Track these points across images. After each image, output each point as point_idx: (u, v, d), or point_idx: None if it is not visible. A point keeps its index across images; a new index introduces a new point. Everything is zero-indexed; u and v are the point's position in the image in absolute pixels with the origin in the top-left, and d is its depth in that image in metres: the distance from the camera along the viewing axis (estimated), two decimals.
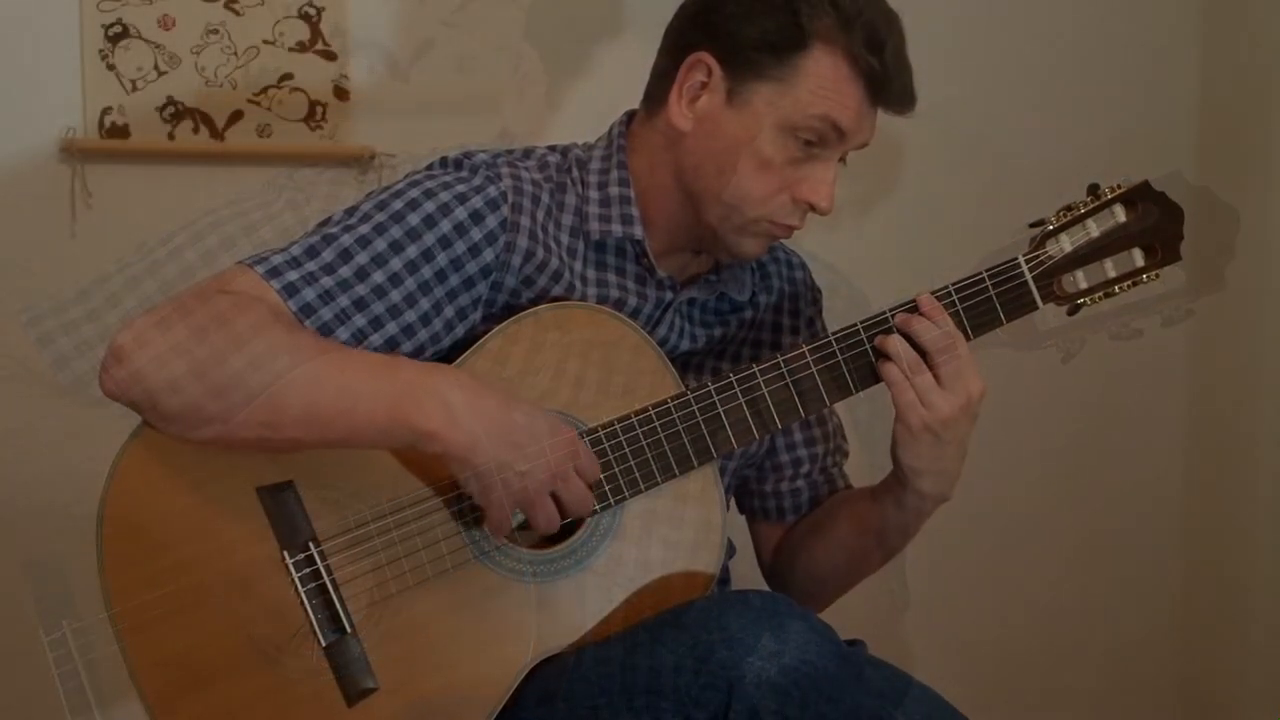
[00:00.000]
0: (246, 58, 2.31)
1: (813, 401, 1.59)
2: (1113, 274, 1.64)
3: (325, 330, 1.47)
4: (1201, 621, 2.85)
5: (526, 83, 2.43)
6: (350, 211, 1.56)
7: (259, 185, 2.31)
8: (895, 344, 1.56)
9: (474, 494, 1.44)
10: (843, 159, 1.63)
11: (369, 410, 1.39)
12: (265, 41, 2.31)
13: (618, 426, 1.53)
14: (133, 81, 2.26)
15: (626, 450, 1.53)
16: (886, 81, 1.56)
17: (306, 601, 1.44)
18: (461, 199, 1.54)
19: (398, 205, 1.54)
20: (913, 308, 1.58)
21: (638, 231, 1.63)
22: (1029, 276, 1.61)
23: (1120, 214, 1.63)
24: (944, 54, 2.43)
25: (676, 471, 1.55)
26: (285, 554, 1.45)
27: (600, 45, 2.45)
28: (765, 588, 1.84)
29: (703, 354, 1.73)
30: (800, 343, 1.58)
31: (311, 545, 1.45)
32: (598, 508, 1.51)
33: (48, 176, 2.23)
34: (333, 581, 1.45)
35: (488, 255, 1.54)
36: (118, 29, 2.25)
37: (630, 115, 1.72)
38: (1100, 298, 1.64)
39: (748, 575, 1.87)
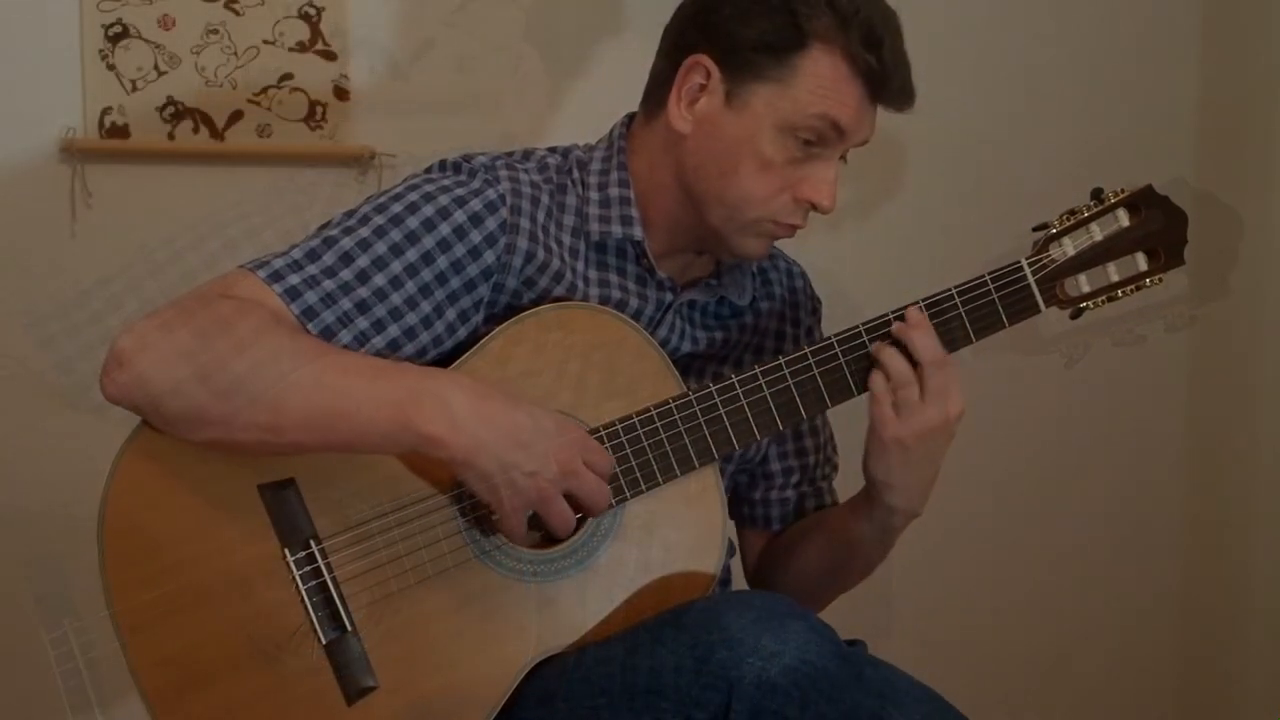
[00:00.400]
0: (246, 58, 2.31)
1: (814, 403, 1.59)
2: (1116, 278, 1.64)
3: (327, 333, 1.47)
4: (1201, 623, 2.85)
5: (527, 83, 2.43)
6: (350, 214, 1.56)
7: (260, 187, 2.31)
8: (888, 355, 1.56)
9: (484, 497, 1.44)
10: (844, 157, 1.63)
11: (372, 414, 1.38)
12: (265, 41, 2.31)
13: (619, 426, 1.53)
14: (133, 81, 2.26)
15: (628, 450, 1.53)
16: (885, 79, 1.56)
17: (307, 600, 1.44)
18: (460, 202, 1.55)
19: (397, 208, 1.54)
20: (900, 318, 1.58)
21: (637, 232, 1.63)
22: (1032, 279, 1.61)
23: (1124, 218, 1.63)
24: (946, 57, 2.44)
25: (677, 472, 1.55)
26: (286, 552, 1.45)
27: (601, 46, 2.45)
28: None
29: (703, 357, 1.73)
30: (803, 344, 1.58)
31: (312, 543, 1.45)
32: (614, 501, 1.51)
33: (48, 176, 2.23)
34: (333, 580, 1.45)
35: (488, 257, 1.54)
36: (118, 29, 2.25)
37: (631, 117, 1.72)
38: (1103, 301, 1.64)
39: None
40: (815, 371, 1.58)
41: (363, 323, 1.49)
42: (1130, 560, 2.86)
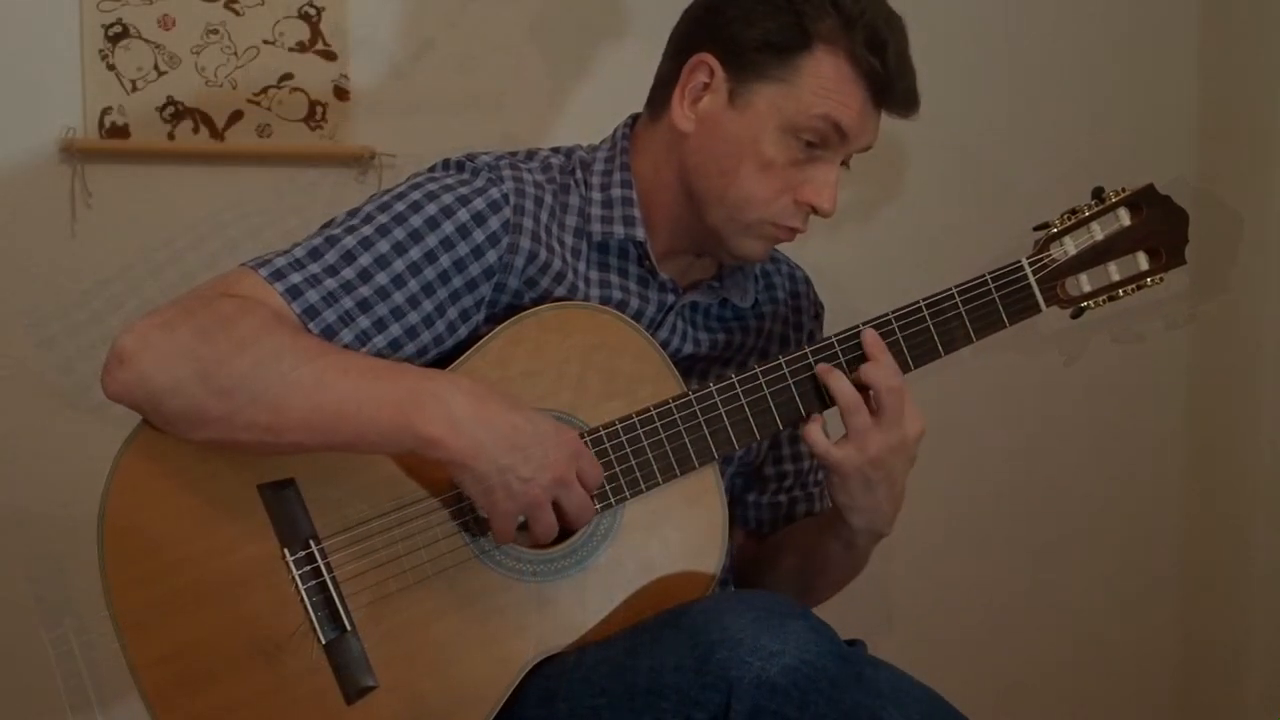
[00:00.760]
0: (246, 58, 2.30)
1: (814, 404, 1.58)
2: (1117, 277, 1.64)
3: (329, 332, 1.47)
4: (1201, 621, 2.85)
5: (528, 84, 2.43)
6: (353, 213, 1.56)
7: (260, 187, 2.31)
8: (835, 380, 1.56)
9: (476, 500, 1.44)
10: (846, 163, 1.63)
11: (372, 415, 1.38)
12: (265, 41, 2.30)
13: (619, 426, 1.53)
14: (133, 81, 2.26)
15: (628, 450, 1.53)
16: (889, 82, 1.56)
17: (307, 599, 1.44)
18: (464, 201, 1.54)
19: (400, 207, 1.54)
20: (856, 334, 1.58)
21: (639, 233, 1.63)
22: (1032, 279, 1.61)
23: (1125, 217, 1.64)
24: (946, 56, 2.44)
25: (677, 471, 1.54)
26: (286, 552, 1.45)
27: (602, 46, 2.45)
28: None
29: (704, 359, 1.73)
30: (804, 346, 1.58)
31: (312, 543, 1.45)
32: (599, 508, 1.51)
33: (48, 176, 2.23)
34: (333, 579, 1.45)
35: (490, 257, 1.54)
36: (118, 29, 2.25)
37: (634, 118, 1.72)
38: (1104, 301, 1.64)
39: None
40: (815, 371, 1.57)
41: (364, 321, 1.48)
42: (1130, 558, 2.86)
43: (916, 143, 2.50)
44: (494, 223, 1.55)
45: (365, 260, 1.49)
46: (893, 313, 1.59)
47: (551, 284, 1.59)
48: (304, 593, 1.44)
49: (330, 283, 1.47)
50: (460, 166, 1.61)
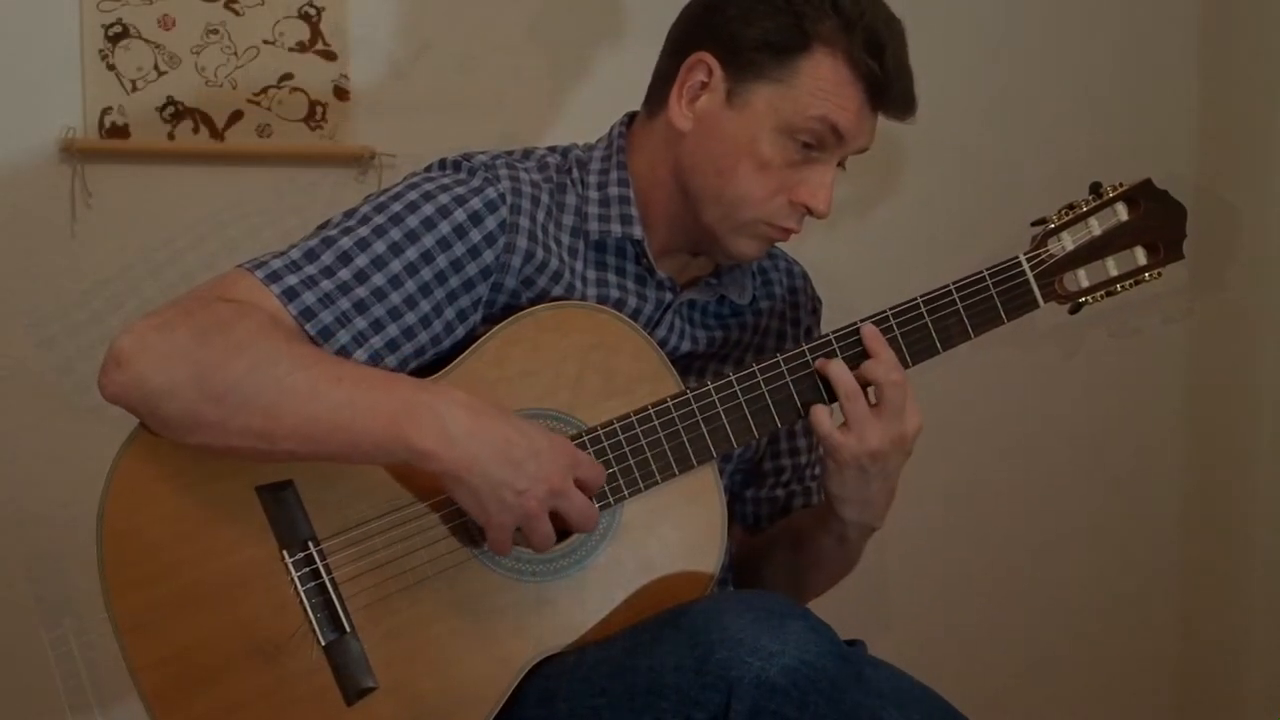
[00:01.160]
0: (246, 58, 2.30)
1: (813, 401, 1.58)
2: (1114, 272, 1.64)
3: (326, 334, 1.46)
4: (1201, 622, 2.85)
5: (527, 83, 2.43)
6: (349, 214, 1.56)
7: (260, 187, 2.31)
8: (836, 370, 1.56)
9: (471, 512, 1.43)
10: (842, 164, 1.63)
11: (365, 426, 1.38)
12: (265, 41, 2.31)
13: (617, 426, 1.53)
14: (133, 81, 2.26)
15: (626, 450, 1.53)
16: (886, 85, 1.56)
17: (306, 601, 1.44)
18: (460, 201, 1.54)
19: (396, 208, 1.53)
20: (854, 330, 1.58)
21: (637, 231, 1.63)
22: (1030, 275, 1.61)
23: (1122, 212, 1.63)
24: (945, 55, 2.44)
25: (676, 471, 1.54)
26: (284, 553, 1.45)
27: (601, 46, 2.45)
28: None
29: (703, 357, 1.73)
30: (802, 343, 1.58)
31: (311, 544, 1.45)
32: (612, 501, 1.51)
33: (48, 176, 2.23)
34: (332, 581, 1.45)
35: (487, 257, 1.54)
36: (118, 29, 2.25)
37: (631, 117, 1.72)
38: (1102, 296, 1.64)
39: None
40: (813, 369, 1.57)
41: (361, 323, 1.48)
42: (1128, 556, 2.86)
43: (915, 140, 2.49)
44: (490, 223, 1.55)
45: (362, 262, 1.49)
46: (890, 310, 1.59)
47: (549, 283, 1.59)
48: (303, 594, 1.44)
49: (327, 284, 1.47)
50: (457, 166, 1.61)
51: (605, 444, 1.52)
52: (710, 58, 1.59)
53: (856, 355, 1.57)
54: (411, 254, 1.51)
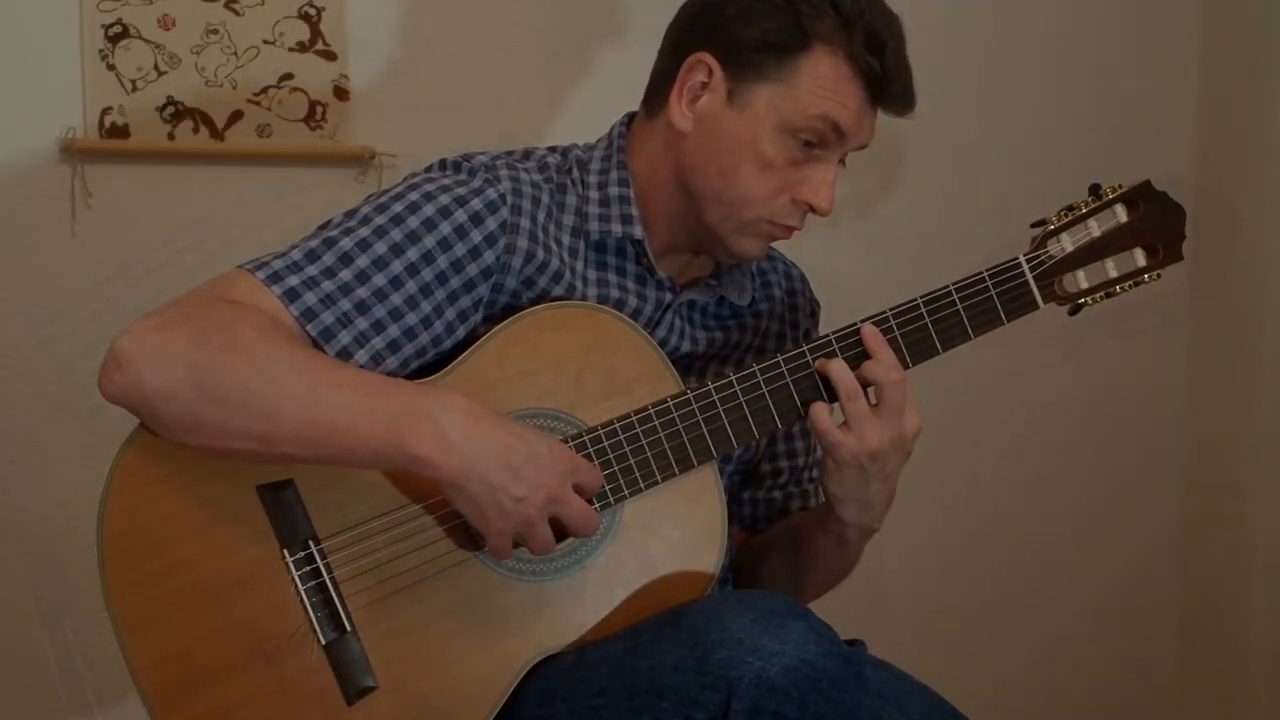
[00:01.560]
0: (246, 58, 2.30)
1: (812, 401, 1.58)
2: (1114, 274, 1.64)
3: (327, 335, 1.46)
4: (1201, 622, 2.85)
5: (527, 83, 2.43)
6: (350, 214, 1.56)
7: (260, 187, 2.31)
8: (837, 369, 1.55)
9: (470, 518, 1.43)
10: (842, 160, 1.63)
11: (364, 432, 1.37)
12: (265, 41, 2.31)
13: (617, 426, 1.53)
14: (133, 81, 2.26)
15: (626, 450, 1.53)
16: (886, 83, 1.56)
17: (306, 600, 1.44)
18: (461, 201, 1.54)
19: (397, 208, 1.53)
20: (854, 331, 1.58)
21: (637, 231, 1.63)
22: (1030, 276, 1.61)
23: (1122, 214, 1.63)
24: (945, 54, 2.43)
25: (676, 471, 1.54)
26: (285, 552, 1.45)
27: (601, 46, 2.45)
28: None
29: (702, 357, 1.73)
30: (801, 344, 1.58)
31: (311, 544, 1.45)
32: (598, 507, 1.51)
33: (48, 176, 2.23)
34: (333, 580, 1.45)
35: (488, 257, 1.54)
36: (118, 29, 2.25)
37: (631, 117, 1.72)
38: (1101, 297, 1.64)
39: None
40: (813, 369, 1.57)
41: (362, 323, 1.48)
42: (1129, 556, 2.86)
43: (914, 141, 2.50)
44: (491, 223, 1.55)
45: (363, 262, 1.49)
46: (890, 310, 1.59)
47: (549, 283, 1.59)
48: (304, 593, 1.44)
49: (328, 285, 1.47)
50: (457, 167, 1.61)
51: (605, 444, 1.52)
52: (710, 58, 1.59)
53: (857, 355, 1.57)
54: (413, 254, 1.51)
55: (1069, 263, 1.62)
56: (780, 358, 1.57)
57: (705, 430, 1.55)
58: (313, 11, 2.32)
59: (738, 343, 1.77)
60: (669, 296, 1.68)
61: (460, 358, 1.53)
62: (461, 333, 1.55)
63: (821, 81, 1.55)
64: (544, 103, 2.44)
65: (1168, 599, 2.89)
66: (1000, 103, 2.69)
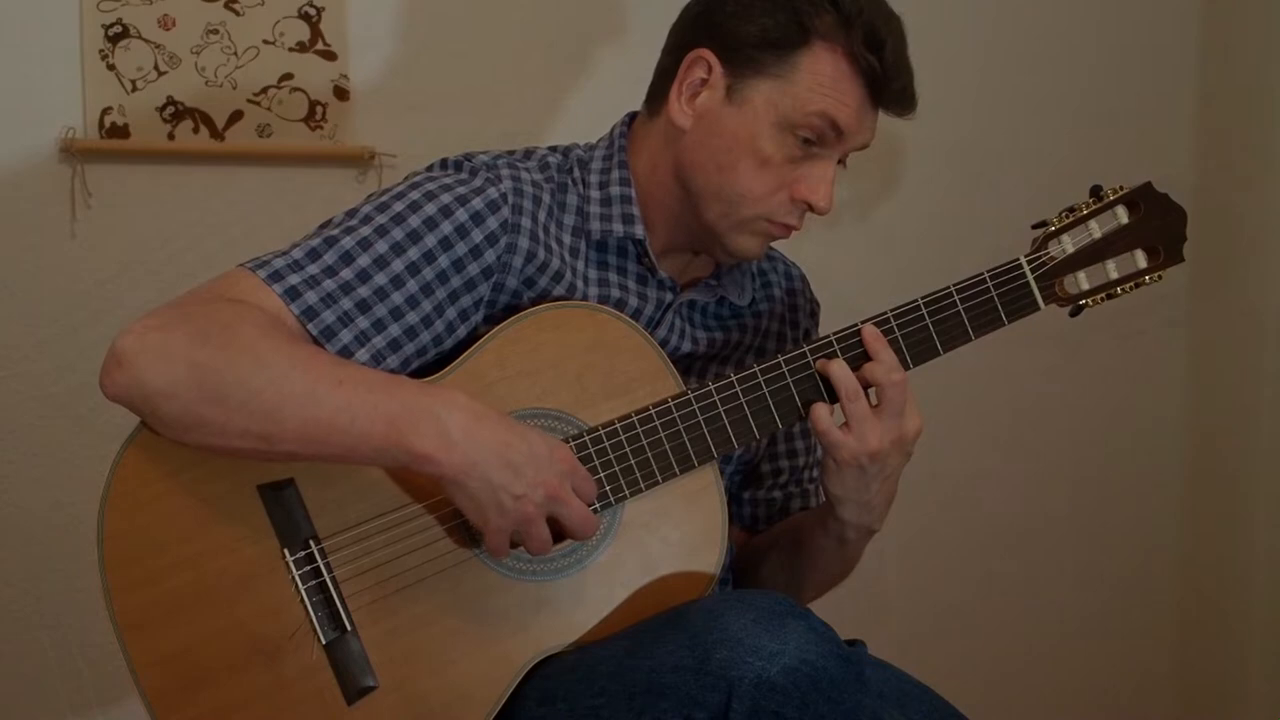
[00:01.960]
0: (246, 58, 2.30)
1: (813, 401, 1.58)
2: (1115, 275, 1.64)
3: (328, 333, 1.46)
4: (1202, 622, 2.85)
5: (527, 83, 2.43)
6: (351, 213, 1.56)
7: (260, 187, 2.31)
8: (837, 369, 1.55)
9: (470, 516, 1.43)
10: (843, 161, 1.63)
11: (365, 430, 1.37)
12: (265, 41, 2.30)
13: (618, 426, 1.53)
14: (133, 81, 2.26)
15: (627, 449, 1.53)
16: (886, 81, 1.56)
17: (307, 599, 1.44)
18: (462, 200, 1.54)
19: (399, 207, 1.53)
20: (854, 331, 1.58)
21: (638, 231, 1.63)
22: (1031, 277, 1.61)
23: (1123, 215, 1.63)
24: (945, 55, 2.44)
25: (677, 471, 1.54)
26: (285, 552, 1.45)
27: (601, 45, 2.45)
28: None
29: (702, 357, 1.73)
30: (801, 345, 1.58)
31: (312, 543, 1.45)
32: (598, 506, 1.51)
33: (48, 176, 2.23)
34: (333, 579, 1.45)
35: (489, 256, 1.54)
36: (118, 29, 2.25)
37: (632, 116, 1.72)
38: (1102, 299, 1.64)
39: None
40: (814, 370, 1.57)
41: (363, 322, 1.48)
42: (1129, 555, 2.86)
43: (915, 141, 2.50)
44: (492, 223, 1.55)
45: (364, 261, 1.49)
46: (891, 311, 1.59)
47: (550, 283, 1.59)
48: (304, 593, 1.44)
49: (329, 284, 1.47)
50: (458, 166, 1.61)
51: (606, 444, 1.52)
52: (710, 55, 1.59)
53: (857, 356, 1.57)
54: (413, 253, 1.51)
55: (1070, 264, 1.62)
56: (781, 358, 1.57)
57: (706, 430, 1.55)
58: (313, 11, 2.32)
59: (738, 343, 1.77)
60: (670, 296, 1.68)
61: (461, 357, 1.53)
62: (462, 332, 1.55)
63: (820, 79, 1.55)
64: (544, 103, 2.44)
65: (1168, 600, 2.89)
66: (1001, 104, 2.69)
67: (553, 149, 1.71)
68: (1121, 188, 1.63)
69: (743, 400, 1.56)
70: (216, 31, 2.29)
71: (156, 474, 1.44)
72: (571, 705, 1.44)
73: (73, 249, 2.24)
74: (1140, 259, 1.65)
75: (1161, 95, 2.78)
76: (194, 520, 1.44)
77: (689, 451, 1.55)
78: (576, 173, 1.67)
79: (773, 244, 1.71)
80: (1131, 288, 1.65)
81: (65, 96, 2.23)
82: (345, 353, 1.47)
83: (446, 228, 1.53)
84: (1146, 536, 2.87)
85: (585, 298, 1.62)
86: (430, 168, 1.64)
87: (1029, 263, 1.61)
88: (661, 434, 1.54)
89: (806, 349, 1.57)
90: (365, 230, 1.51)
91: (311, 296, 1.46)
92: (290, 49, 2.32)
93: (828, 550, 1.69)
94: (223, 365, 1.36)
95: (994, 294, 1.60)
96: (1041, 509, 2.80)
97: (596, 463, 1.52)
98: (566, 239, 1.63)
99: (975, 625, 2.78)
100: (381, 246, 1.50)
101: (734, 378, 1.56)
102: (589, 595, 1.53)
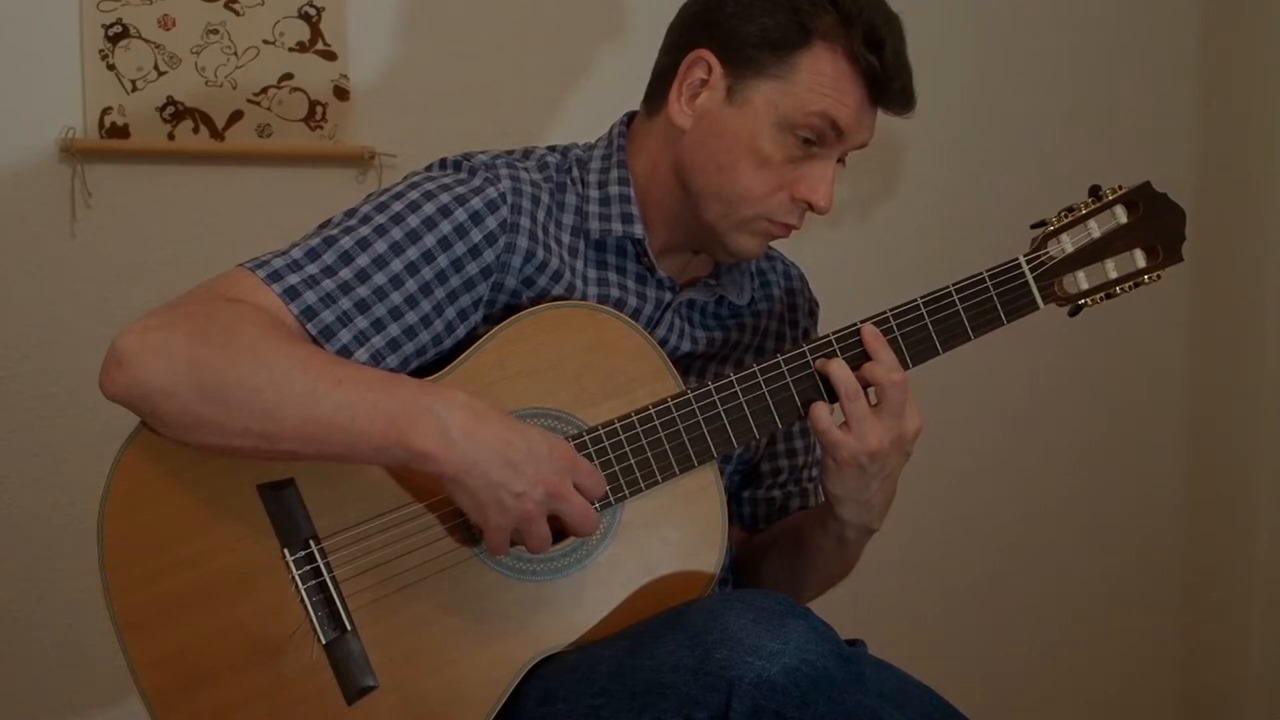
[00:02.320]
0: (246, 58, 2.30)
1: (813, 401, 1.58)
2: (1114, 275, 1.64)
3: (327, 333, 1.46)
4: (1202, 622, 2.85)
5: (527, 83, 2.44)
6: (350, 213, 1.56)
7: (260, 187, 2.31)
8: (836, 368, 1.55)
9: (469, 514, 1.43)
10: (842, 160, 1.63)
11: (365, 428, 1.37)
12: (265, 41, 2.31)
13: (618, 425, 1.53)
14: (133, 81, 2.26)
15: (627, 449, 1.53)
16: (886, 80, 1.57)
17: (307, 599, 1.44)
18: (461, 200, 1.54)
19: (398, 207, 1.53)
20: (854, 331, 1.58)
21: (638, 230, 1.63)
22: (1030, 277, 1.61)
23: (1121, 215, 1.63)
24: (945, 55, 2.44)
25: (676, 470, 1.54)
26: (285, 552, 1.45)
27: (601, 45, 2.45)
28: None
29: (702, 357, 1.73)
30: (801, 344, 1.58)
31: (312, 543, 1.45)
32: (598, 506, 1.51)
33: (48, 176, 2.23)
34: (333, 579, 1.45)
35: (488, 256, 1.54)
36: (118, 29, 2.25)
37: (631, 116, 1.72)
38: (1101, 298, 1.64)
39: None
40: (814, 369, 1.57)
41: (362, 322, 1.48)
42: (1129, 555, 2.86)
43: (914, 141, 2.50)
44: (491, 222, 1.55)
45: (363, 261, 1.49)
46: (891, 311, 1.59)
47: (549, 283, 1.59)
48: (304, 593, 1.45)
49: (328, 284, 1.47)
50: (457, 166, 1.61)
51: (606, 443, 1.52)
52: (709, 55, 1.59)
53: (857, 356, 1.57)
54: (413, 253, 1.51)
55: (1069, 263, 1.62)
56: (780, 358, 1.57)
57: (705, 430, 1.55)
58: (313, 11, 2.32)
59: (737, 342, 1.77)
60: (669, 296, 1.68)
61: (460, 357, 1.53)
62: (462, 332, 1.55)
63: (820, 78, 1.55)
64: (544, 103, 2.44)
65: (1168, 599, 2.89)
66: (1000, 104, 2.70)
67: (551, 149, 1.71)
68: (1120, 187, 1.63)
69: (742, 400, 1.56)
70: (216, 31, 2.29)
71: (157, 474, 1.44)
72: (571, 705, 1.44)
73: (73, 249, 2.24)
74: (1139, 258, 1.65)
75: (1161, 95, 2.78)
76: (194, 520, 1.44)
77: (689, 451, 1.55)
78: (575, 172, 1.67)
79: (772, 244, 1.71)
80: (1131, 287, 1.65)
81: (65, 96, 2.23)
82: (344, 352, 1.47)
83: (445, 228, 1.53)
84: (1146, 537, 2.87)
85: (584, 297, 1.62)
86: (429, 167, 1.64)
87: (1028, 262, 1.61)
88: (661, 434, 1.54)
89: (806, 348, 1.57)
90: (364, 230, 1.51)
91: (310, 296, 1.46)
92: (290, 49, 2.32)
93: (827, 550, 1.69)
94: (223, 364, 1.36)
95: (993, 293, 1.60)
96: (1041, 509, 2.80)
97: (596, 463, 1.52)
98: (565, 238, 1.63)
99: (975, 625, 2.78)
100: (380, 246, 1.50)
101: (733, 377, 1.56)
102: (589, 595, 1.53)
